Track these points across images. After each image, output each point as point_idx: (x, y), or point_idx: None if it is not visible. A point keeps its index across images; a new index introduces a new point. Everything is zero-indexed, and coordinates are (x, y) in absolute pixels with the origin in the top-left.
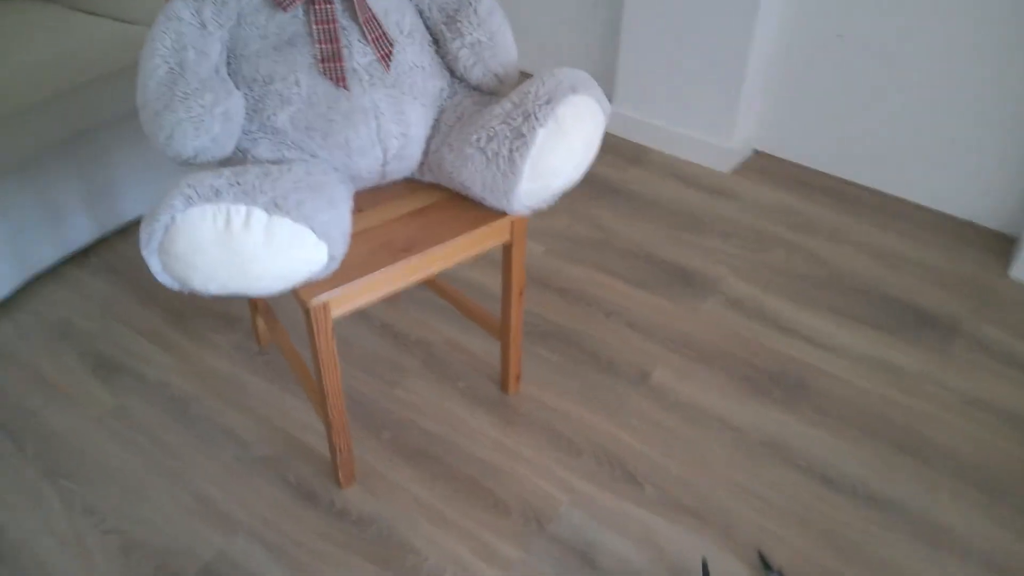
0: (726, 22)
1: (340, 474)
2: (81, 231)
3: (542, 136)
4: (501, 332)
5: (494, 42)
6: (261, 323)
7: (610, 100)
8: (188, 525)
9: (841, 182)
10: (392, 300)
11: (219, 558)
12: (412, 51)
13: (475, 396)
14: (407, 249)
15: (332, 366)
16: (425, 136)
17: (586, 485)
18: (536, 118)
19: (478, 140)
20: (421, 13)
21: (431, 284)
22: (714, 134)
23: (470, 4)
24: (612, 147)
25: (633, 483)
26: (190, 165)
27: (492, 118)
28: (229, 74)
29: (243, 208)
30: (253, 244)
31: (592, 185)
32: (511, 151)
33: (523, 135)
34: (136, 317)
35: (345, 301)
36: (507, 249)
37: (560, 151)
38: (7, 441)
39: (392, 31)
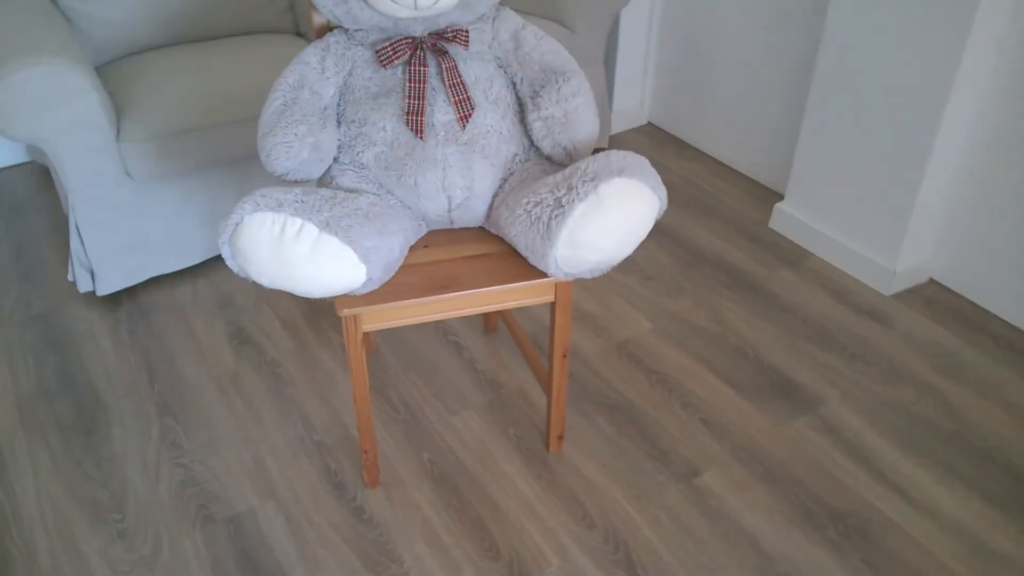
0: (902, 140)
1: (365, 474)
2: None
3: (580, 210)
4: (546, 390)
5: (568, 120)
6: None
7: (781, 197)
8: (238, 481)
9: (1016, 332)
10: (490, 339)
11: (247, 514)
12: (493, 117)
13: (518, 445)
14: (445, 286)
15: (360, 372)
16: (491, 192)
17: (581, 557)
18: (577, 192)
19: (527, 203)
20: (514, 84)
21: (512, 331)
22: (879, 253)
23: (556, 82)
24: (770, 245)
25: (630, 571)
26: (284, 181)
27: (543, 186)
28: (338, 113)
29: (298, 221)
30: (300, 252)
31: (732, 277)
32: (550, 219)
33: (563, 206)
34: (282, 304)
35: (375, 318)
36: (553, 310)
37: (596, 227)
38: (144, 375)
39: (477, 96)
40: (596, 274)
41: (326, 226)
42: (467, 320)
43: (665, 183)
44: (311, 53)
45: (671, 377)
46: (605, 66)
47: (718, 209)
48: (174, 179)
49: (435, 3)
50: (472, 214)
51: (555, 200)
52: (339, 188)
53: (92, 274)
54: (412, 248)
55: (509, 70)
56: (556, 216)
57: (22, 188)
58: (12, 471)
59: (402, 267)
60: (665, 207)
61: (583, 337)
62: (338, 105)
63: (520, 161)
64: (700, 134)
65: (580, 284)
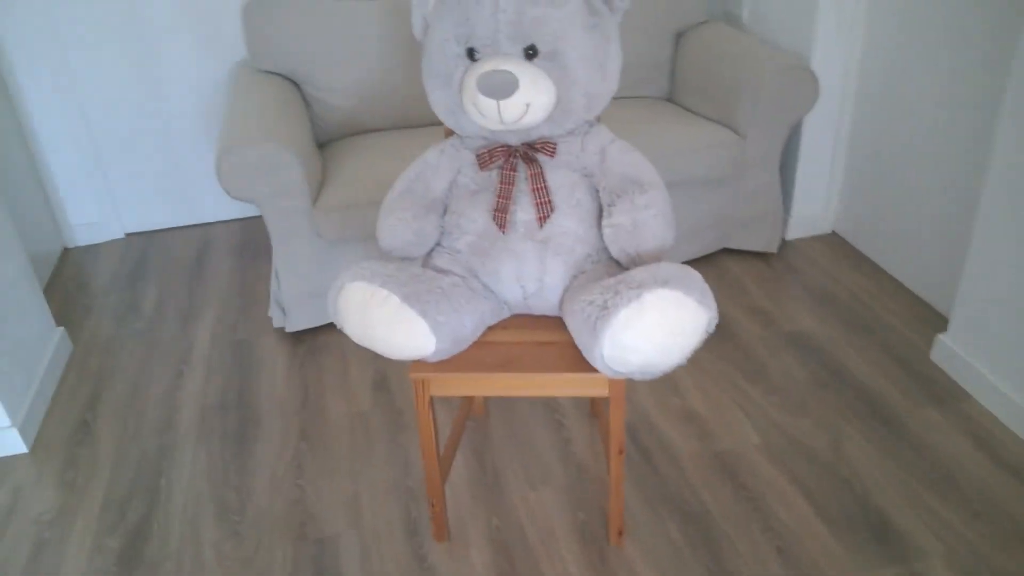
0: None
1: (432, 526)
2: None
3: (623, 315)
4: (609, 485)
5: (635, 229)
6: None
7: (944, 328)
8: (335, 507)
9: None
10: (591, 423)
11: (331, 540)
12: (571, 219)
13: (583, 532)
14: (503, 366)
15: (428, 431)
16: (563, 286)
17: None
18: (623, 297)
19: (583, 301)
20: (598, 191)
21: (600, 420)
22: None
23: (632, 193)
24: (924, 377)
25: None
26: (390, 256)
27: (598, 287)
28: (445, 205)
29: (384, 291)
30: (381, 317)
31: (868, 406)
32: (597, 318)
33: (608, 309)
34: None
35: (441, 385)
36: (607, 405)
37: (636, 332)
38: (298, 404)
39: (559, 200)
40: (647, 377)
41: (406, 298)
42: (576, 404)
43: (829, 296)
44: (431, 153)
45: (761, 497)
46: (781, 172)
47: (878, 331)
48: (357, 242)
49: (520, 120)
50: (546, 303)
51: (603, 302)
52: (434, 267)
53: (285, 313)
54: (492, 328)
55: (593, 179)
56: (602, 316)
57: (262, 236)
58: (179, 463)
59: (478, 343)
60: (716, 320)
61: (683, 437)
62: (447, 197)
63: (592, 261)
64: (881, 249)
65: (697, 384)
